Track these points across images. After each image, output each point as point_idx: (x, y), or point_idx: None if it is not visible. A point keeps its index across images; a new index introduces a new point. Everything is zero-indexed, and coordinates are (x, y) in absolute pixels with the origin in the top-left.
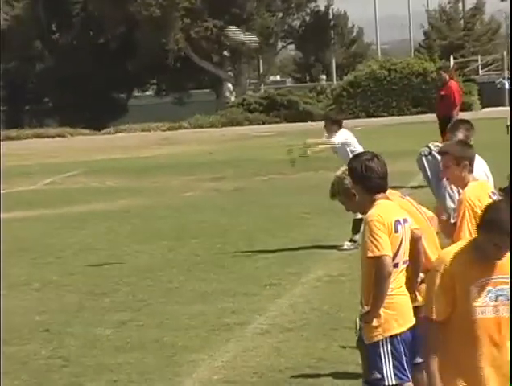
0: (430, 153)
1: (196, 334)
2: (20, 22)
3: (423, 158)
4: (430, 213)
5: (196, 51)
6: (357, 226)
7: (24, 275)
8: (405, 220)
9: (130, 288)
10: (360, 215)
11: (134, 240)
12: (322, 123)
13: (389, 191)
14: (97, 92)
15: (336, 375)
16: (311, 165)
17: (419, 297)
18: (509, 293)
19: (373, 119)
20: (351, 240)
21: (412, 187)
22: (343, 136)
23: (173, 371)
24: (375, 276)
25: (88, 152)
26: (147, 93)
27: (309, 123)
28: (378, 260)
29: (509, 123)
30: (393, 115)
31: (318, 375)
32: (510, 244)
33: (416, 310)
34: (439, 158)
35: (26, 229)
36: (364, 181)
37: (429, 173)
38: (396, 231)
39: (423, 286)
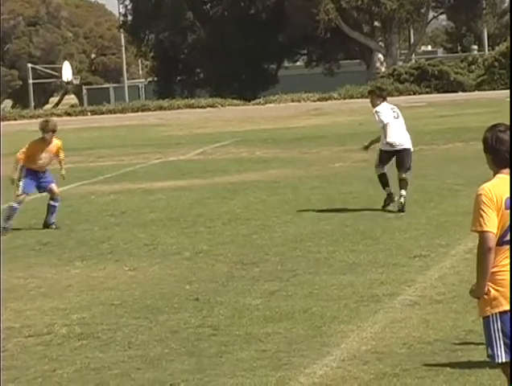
0: None
1: (345, 305)
2: None
3: None
4: None
5: (347, 21)
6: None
7: (175, 244)
8: None
9: (278, 258)
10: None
11: (284, 211)
12: (474, 94)
13: None
14: (247, 63)
15: None
16: (462, 136)
17: None
18: None
19: None
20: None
21: None
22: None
23: (321, 342)
24: (477, 251)
25: (239, 122)
26: (298, 64)
27: (460, 94)
28: (481, 235)
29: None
30: None
31: (467, 348)
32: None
33: None
34: None
35: (177, 198)
36: (493, 152)
37: None
38: (508, 207)
39: None
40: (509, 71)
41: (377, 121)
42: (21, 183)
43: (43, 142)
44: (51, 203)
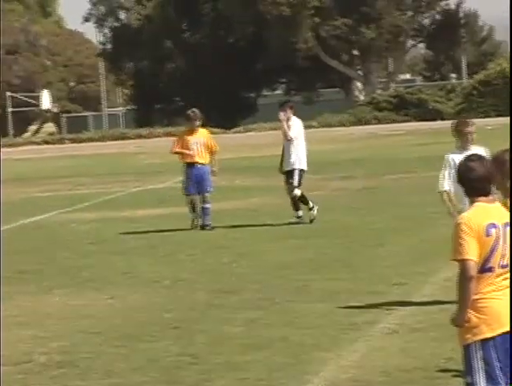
0: None
1: (325, 333)
2: (151, 22)
3: None
4: None
5: (326, 49)
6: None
7: (155, 272)
8: (507, 224)
9: (258, 286)
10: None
11: (263, 239)
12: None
13: None
14: (226, 91)
15: None
16: (441, 164)
17: None
18: None
19: (503, 118)
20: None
21: None
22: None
23: (301, 370)
24: (458, 279)
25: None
26: (276, 92)
27: (439, 122)
28: (462, 263)
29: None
30: None
31: (446, 376)
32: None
33: None
34: None
35: (156, 226)
36: (465, 182)
37: None
38: (488, 234)
39: None
40: (487, 100)
41: (290, 134)
42: (184, 184)
43: (191, 131)
44: (204, 205)
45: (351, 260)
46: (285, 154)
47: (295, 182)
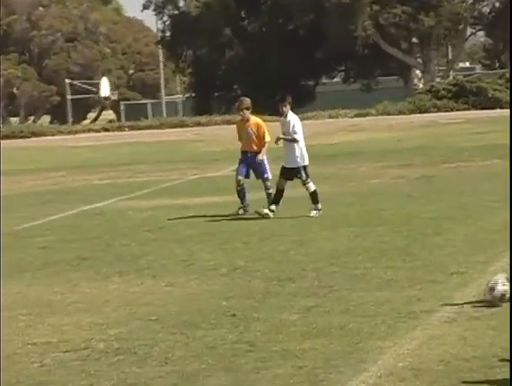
0: None
1: (382, 321)
2: (210, 9)
3: None
4: None
5: (385, 37)
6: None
7: (212, 260)
8: None
9: (315, 274)
10: (312, 188)
11: (320, 226)
12: None
13: None
14: (285, 79)
15: None
16: (500, 153)
17: None
18: None
19: None
20: (315, 209)
21: None
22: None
23: (358, 358)
24: None
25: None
26: (335, 80)
27: (498, 110)
28: None
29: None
30: None
31: (505, 365)
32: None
33: None
34: None
35: (213, 214)
36: None
37: None
38: None
39: None
40: None
41: (291, 132)
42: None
43: (242, 121)
44: (267, 191)
45: (409, 248)
46: (287, 152)
47: (304, 178)
